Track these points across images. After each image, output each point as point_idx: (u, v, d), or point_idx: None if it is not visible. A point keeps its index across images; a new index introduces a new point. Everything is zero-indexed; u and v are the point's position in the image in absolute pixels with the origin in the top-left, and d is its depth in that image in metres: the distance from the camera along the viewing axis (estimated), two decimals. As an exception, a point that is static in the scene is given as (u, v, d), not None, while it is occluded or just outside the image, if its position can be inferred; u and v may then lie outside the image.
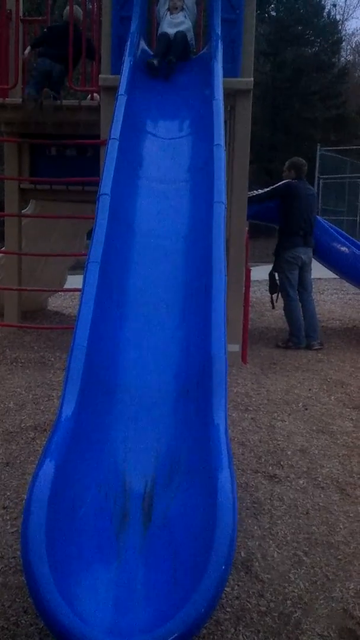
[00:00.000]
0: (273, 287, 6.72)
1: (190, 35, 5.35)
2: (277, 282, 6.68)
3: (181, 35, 5.23)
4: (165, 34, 5.26)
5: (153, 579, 2.11)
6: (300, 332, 6.47)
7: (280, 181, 6.82)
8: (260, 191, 6.79)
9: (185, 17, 5.38)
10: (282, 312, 6.82)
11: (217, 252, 3.19)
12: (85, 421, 2.58)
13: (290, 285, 6.49)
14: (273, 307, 6.90)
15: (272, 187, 6.79)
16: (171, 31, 5.27)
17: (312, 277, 6.83)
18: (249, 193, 6.58)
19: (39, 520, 2.00)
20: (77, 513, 2.30)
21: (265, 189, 6.79)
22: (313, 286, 7.30)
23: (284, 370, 5.59)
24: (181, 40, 5.22)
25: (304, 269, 6.54)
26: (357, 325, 7.99)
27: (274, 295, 6.75)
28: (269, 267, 6.80)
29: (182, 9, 5.42)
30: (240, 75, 5.46)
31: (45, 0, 7.16)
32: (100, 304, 3.02)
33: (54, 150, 6.94)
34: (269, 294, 6.89)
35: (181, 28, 5.29)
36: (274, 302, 6.79)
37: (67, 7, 6.23)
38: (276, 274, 6.67)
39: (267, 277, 6.83)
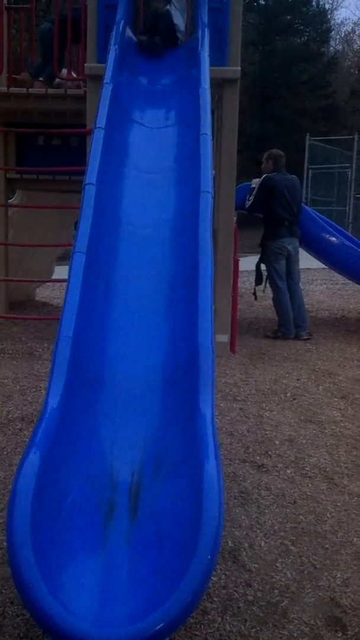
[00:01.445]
0: (259, 278, 6.74)
1: (177, 20, 5.28)
2: (263, 273, 6.69)
3: (165, 12, 5.18)
4: (153, 11, 5.23)
5: (139, 569, 2.10)
6: (289, 322, 6.48)
7: (261, 175, 6.82)
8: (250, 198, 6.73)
9: (171, 6, 5.32)
10: (271, 302, 6.83)
11: (204, 242, 3.17)
12: (71, 412, 2.56)
13: (277, 276, 6.50)
14: (256, 299, 6.91)
15: (256, 188, 6.70)
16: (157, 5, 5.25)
17: (300, 267, 6.85)
18: (248, 201, 6.59)
19: (24, 510, 1.99)
20: (63, 503, 2.29)
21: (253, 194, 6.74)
22: (302, 276, 7.32)
23: (273, 361, 5.59)
24: (164, 19, 5.17)
25: (291, 259, 6.55)
26: (346, 315, 8.02)
27: (259, 286, 6.76)
28: (258, 257, 6.80)
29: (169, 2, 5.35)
30: (228, 64, 5.43)
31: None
32: (86, 294, 3.00)
33: (40, 140, 6.88)
34: (254, 285, 6.89)
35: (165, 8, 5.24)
36: (256, 293, 6.80)
37: None
38: (262, 265, 6.68)
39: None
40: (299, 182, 6.86)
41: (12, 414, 4.08)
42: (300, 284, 6.90)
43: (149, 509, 2.33)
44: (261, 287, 6.76)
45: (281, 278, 6.51)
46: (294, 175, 6.90)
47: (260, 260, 6.69)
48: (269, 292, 6.74)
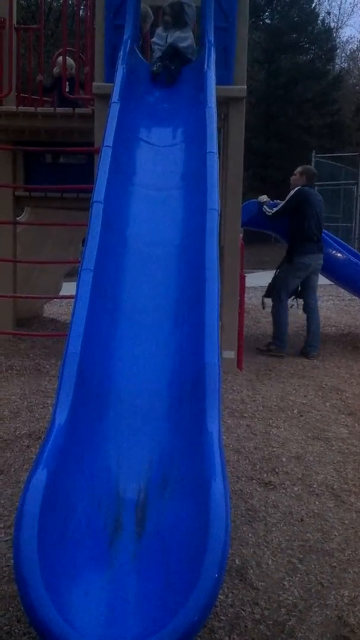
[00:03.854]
0: (270, 292, 6.67)
1: (186, 44, 5.30)
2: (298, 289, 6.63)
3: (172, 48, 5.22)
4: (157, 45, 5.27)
5: (146, 587, 2.09)
6: (284, 337, 6.45)
7: (291, 189, 6.72)
8: (274, 207, 6.67)
9: (182, 32, 5.33)
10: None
11: (211, 259, 3.19)
12: (78, 429, 2.57)
13: (286, 290, 6.47)
14: (263, 308, 6.86)
15: (288, 198, 6.63)
16: (161, 42, 5.27)
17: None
18: (269, 209, 6.56)
19: (31, 529, 1.99)
20: (69, 522, 2.28)
21: (281, 203, 6.68)
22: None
23: (280, 377, 5.59)
24: (172, 51, 5.20)
25: (313, 275, 6.56)
26: (353, 331, 8.01)
27: (266, 300, 6.72)
28: (264, 274, 6.81)
29: (175, 25, 5.36)
30: (234, 82, 5.49)
31: (39, 8, 7.16)
32: (93, 311, 3.01)
33: (48, 158, 6.96)
34: (263, 296, 6.84)
35: (181, 44, 5.25)
36: (265, 304, 6.77)
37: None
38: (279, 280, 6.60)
39: (262, 283, 6.83)
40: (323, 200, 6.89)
41: (20, 431, 4.09)
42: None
43: (156, 527, 2.32)
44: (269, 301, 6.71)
45: (287, 294, 6.49)
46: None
47: (280, 272, 6.59)
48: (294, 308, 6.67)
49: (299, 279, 6.47)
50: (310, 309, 6.59)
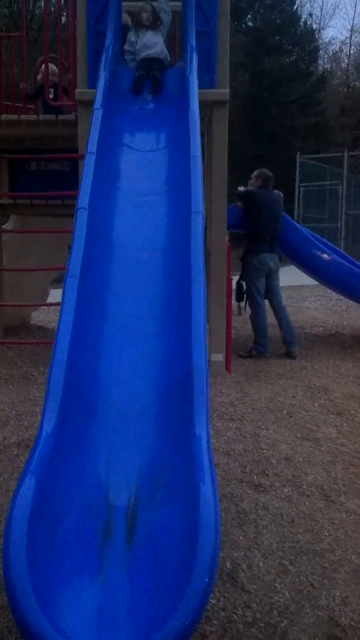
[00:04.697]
0: (239, 294, 6.68)
1: (158, 50, 5.33)
2: (244, 289, 6.67)
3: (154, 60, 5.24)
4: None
5: (137, 593, 2.09)
6: (265, 340, 6.47)
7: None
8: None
9: (154, 35, 5.35)
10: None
11: (196, 262, 3.20)
12: (66, 436, 2.57)
13: (257, 292, 6.49)
14: (240, 314, 6.86)
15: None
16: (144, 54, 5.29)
17: (294, 284, 6.87)
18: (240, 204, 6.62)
19: (20, 538, 1.99)
20: (59, 529, 2.28)
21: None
22: (296, 293, 7.32)
23: (268, 379, 5.60)
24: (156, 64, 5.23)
25: (271, 276, 6.54)
26: (340, 331, 8.04)
27: (241, 303, 6.74)
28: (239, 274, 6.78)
29: (149, 27, 5.39)
30: (216, 86, 5.50)
31: (20, 16, 7.16)
32: (80, 317, 3.02)
33: (33, 165, 6.95)
34: (237, 302, 6.84)
35: (151, 52, 5.27)
36: (241, 309, 6.77)
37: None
38: (243, 282, 6.66)
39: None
40: (282, 198, 6.88)
41: (9, 440, 4.07)
42: (294, 301, 6.90)
43: (146, 532, 2.32)
44: (243, 303, 6.74)
45: (261, 295, 6.49)
46: (278, 191, 6.93)
47: (241, 277, 6.69)
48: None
49: (262, 277, 6.48)
50: (275, 308, 6.61)
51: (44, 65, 6.34)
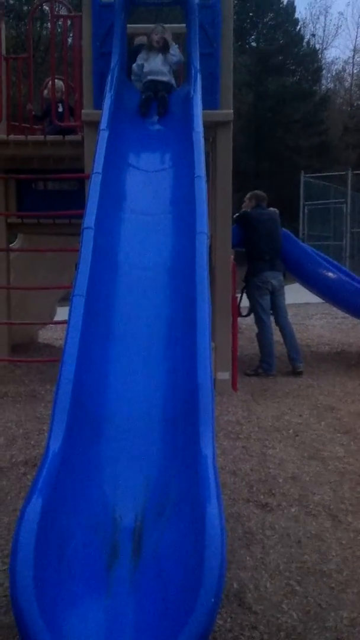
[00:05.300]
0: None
1: (166, 79, 5.37)
2: (244, 307, 6.65)
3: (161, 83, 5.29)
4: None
5: (143, 614, 2.08)
6: (271, 358, 6.46)
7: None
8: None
9: (163, 63, 5.41)
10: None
11: (201, 282, 3.22)
12: (73, 455, 2.57)
13: (262, 311, 6.50)
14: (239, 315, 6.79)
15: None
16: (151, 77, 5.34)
17: (300, 302, 6.87)
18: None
19: (27, 557, 1.98)
20: (66, 549, 2.28)
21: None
22: (301, 311, 7.32)
23: (274, 397, 5.59)
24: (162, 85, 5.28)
25: (276, 293, 6.55)
26: (346, 349, 8.03)
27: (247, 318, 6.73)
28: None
29: (161, 50, 5.44)
30: (220, 107, 5.55)
31: (27, 38, 7.26)
32: (86, 336, 3.03)
33: (40, 185, 7.01)
34: (248, 318, 6.83)
35: (158, 77, 5.32)
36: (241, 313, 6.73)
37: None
38: (241, 295, 6.64)
39: None
40: (278, 216, 6.91)
41: (16, 458, 4.07)
42: (300, 319, 6.90)
43: (152, 552, 2.32)
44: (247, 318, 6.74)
45: (266, 313, 6.51)
46: (273, 209, 6.96)
47: (245, 294, 6.68)
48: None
49: (266, 296, 6.50)
50: (281, 326, 6.63)
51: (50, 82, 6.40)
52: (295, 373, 6.40)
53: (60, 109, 6.34)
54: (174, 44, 5.49)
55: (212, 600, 1.89)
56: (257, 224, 6.59)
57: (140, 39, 5.75)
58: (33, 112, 6.68)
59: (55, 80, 6.37)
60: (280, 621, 2.45)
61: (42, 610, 1.90)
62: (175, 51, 5.43)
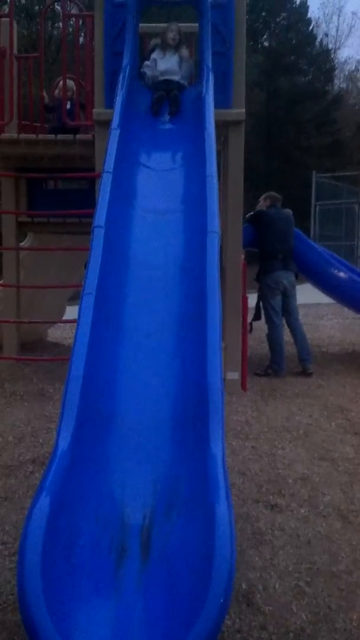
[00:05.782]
0: (257, 314, 6.68)
1: (177, 78, 5.37)
2: (262, 308, 6.65)
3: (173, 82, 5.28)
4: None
5: (151, 613, 2.08)
6: (282, 359, 6.43)
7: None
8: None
9: (178, 63, 5.40)
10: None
11: (211, 281, 3.20)
12: (81, 453, 2.56)
13: (273, 311, 6.47)
14: (250, 332, 6.79)
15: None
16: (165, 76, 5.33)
17: (311, 302, 6.84)
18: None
19: (35, 556, 1.98)
20: (74, 548, 2.28)
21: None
22: (313, 311, 7.29)
23: (284, 397, 5.57)
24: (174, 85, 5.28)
25: (287, 294, 6.51)
26: (357, 350, 7.98)
27: (251, 323, 6.70)
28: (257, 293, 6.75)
29: (176, 47, 5.44)
30: (232, 106, 5.54)
31: (39, 37, 7.27)
32: (96, 335, 3.03)
33: (50, 184, 7.01)
34: (258, 320, 6.81)
35: (172, 77, 5.31)
36: (252, 326, 6.71)
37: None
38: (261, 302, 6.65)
39: None
40: (292, 217, 6.90)
41: (24, 456, 4.08)
42: (310, 319, 6.87)
43: (161, 551, 2.31)
44: (260, 322, 6.72)
45: (277, 314, 6.48)
46: (288, 209, 6.95)
47: (260, 297, 6.68)
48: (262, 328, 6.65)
49: (277, 296, 6.47)
50: (292, 327, 6.60)
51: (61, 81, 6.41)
52: (306, 374, 6.37)
53: (68, 106, 6.35)
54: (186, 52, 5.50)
55: (221, 600, 1.88)
56: (272, 223, 6.57)
57: (156, 40, 5.75)
58: (45, 101, 6.67)
59: (67, 80, 6.38)
60: (289, 622, 2.44)
61: (49, 608, 1.89)
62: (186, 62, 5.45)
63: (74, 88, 6.51)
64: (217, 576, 1.93)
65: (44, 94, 6.65)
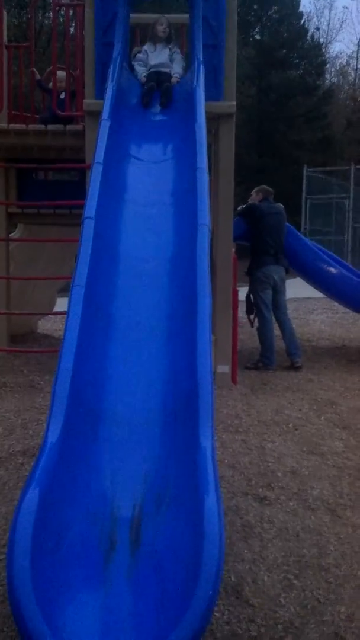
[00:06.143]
0: (250, 308, 6.69)
1: (168, 70, 5.34)
2: (253, 302, 6.67)
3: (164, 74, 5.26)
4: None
5: (141, 606, 2.08)
6: (271, 353, 6.44)
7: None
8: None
9: (168, 57, 5.36)
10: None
11: (202, 274, 3.20)
12: (71, 446, 2.56)
13: (264, 305, 6.47)
14: (252, 326, 6.83)
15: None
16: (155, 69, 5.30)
17: (301, 297, 6.84)
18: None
19: (24, 548, 1.97)
20: (64, 540, 2.27)
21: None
22: (303, 305, 7.29)
23: (274, 391, 5.58)
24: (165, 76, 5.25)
25: (277, 289, 6.52)
26: (347, 344, 8.01)
27: (252, 316, 6.72)
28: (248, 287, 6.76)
29: (168, 43, 5.41)
30: (223, 99, 5.51)
31: (29, 26, 7.21)
32: (85, 327, 3.01)
33: (41, 175, 6.97)
34: (246, 315, 6.82)
35: (163, 69, 5.28)
36: (252, 322, 6.75)
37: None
38: (251, 295, 6.67)
39: None
40: (284, 211, 6.89)
41: (14, 448, 4.06)
42: (300, 313, 6.88)
43: (150, 544, 2.31)
44: (253, 316, 6.73)
45: (267, 307, 6.48)
46: (279, 204, 6.95)
47: (250, 291, 6.69)
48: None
49: (267, 290, 6.48)
50: (280, 321, 6.61)
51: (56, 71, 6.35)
52: (294, 368, 6.39)
53: (62, 96, 6.30)
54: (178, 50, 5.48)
55: (210, 592, 1.88)
56: (264, 217, 6.57)
57: (138, 49, 5.73)
58: (37, 77, 6.60)
59: (58, 72, 6.33)
60: (277, 614, 2.45)
61: (39, 600, 1.89)
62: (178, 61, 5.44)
63: (64, 78, 6.45)
64: (206, 568, 1.94)
65: (34, 69, 6.57)
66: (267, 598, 2.55)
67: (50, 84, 6.42)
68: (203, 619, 1.85)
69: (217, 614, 2.41)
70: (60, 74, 6.41)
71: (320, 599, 2.56)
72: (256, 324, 6.67)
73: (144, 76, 5.21)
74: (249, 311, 6.67)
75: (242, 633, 2.33)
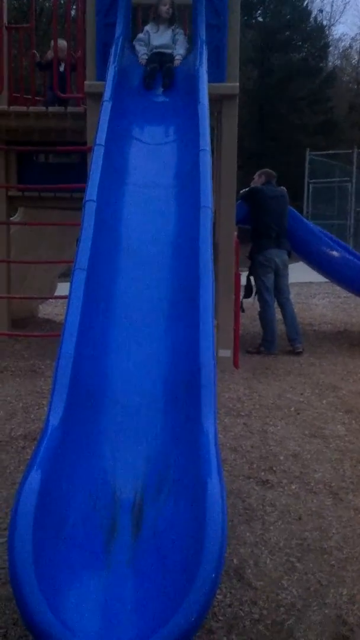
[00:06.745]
0: (248, 291, 6.66)
1: (169, 51, 5.26)
2: (253, 287, 6.63)
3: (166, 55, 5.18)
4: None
5: (142, 589, 2.07)
6: (273, 338, 6.42)
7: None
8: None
9: (171, 38, 5.28)
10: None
11: (204, 257, 3.17)
12: (73, 430, 2.54)
13: (265, 289, 6.44)
14: (243, 311, 6.78)
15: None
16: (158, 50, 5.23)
17: (303, 281, 6.82)
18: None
19: (25, 531, 1.97)
20: (65, 523, 2.26)
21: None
22: (305, 290, 7.27)
23: (276, 375, 5.57)
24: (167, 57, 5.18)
25: (279, 273, 6.48)
26: (349, 328, 8.00)
27: (249, 299, 6.68)
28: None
29: (171, 24, 5.33)
30: (226, 80, 5.46)
31: (30, 8, 7.13)
32: (87, 311, 2.99)
33: (41, 157, 6.92)
34: (247, 298, 6.78)
35: (165, 50, 5.21)
36: (243, 305, 6.69)
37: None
38: (252, 278, 6.63)
39: None
40: (287, 195, 6.84)
41: (15, 432, 4.06)
42: (302, 297, 6.85)
43: (152, 527, 2.30)
44: (250, 299, 6.70)
45: (269, 292, 6.45)
46: (282, 187, 6.90)
47: (250, 274, 6.65)
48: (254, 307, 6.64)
49: (269, 274, 6.44)
50: (282, 306, 6.58)
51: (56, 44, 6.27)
52: (295, 353, 6.37)
53: (61, 69, 6.24)
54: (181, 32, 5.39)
55: (213, 575, 1.87)
56: (266, 200, 6.52)
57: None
58: (37, 59, 6.55)
59: (59, 41, 6.25)
60: (279, 597, 2.45)
61: (40, 583, 1.88)
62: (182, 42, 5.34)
63: (65, 47, 6.37)
64: (209, 551, 1.93)
65: (35, 51, 6.51)
66: (270, 581, 2.55)
67: (51, 56, 6.31)
68: (206, 602, 1.84)
69: (219, 597, 2.41)
70: (61, 42, 6.33)
71: (322, 581, 2.56)
72: (255, 308, 6.64)
73: (144, 57, 5.14)
74: (246, 295, 6.63)
75: (244, 615, 2.34)
